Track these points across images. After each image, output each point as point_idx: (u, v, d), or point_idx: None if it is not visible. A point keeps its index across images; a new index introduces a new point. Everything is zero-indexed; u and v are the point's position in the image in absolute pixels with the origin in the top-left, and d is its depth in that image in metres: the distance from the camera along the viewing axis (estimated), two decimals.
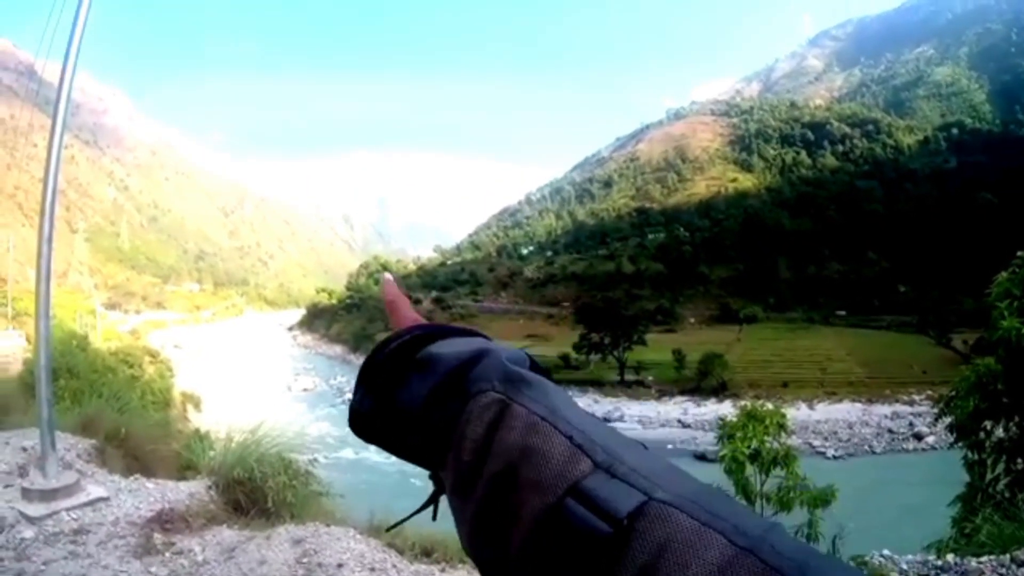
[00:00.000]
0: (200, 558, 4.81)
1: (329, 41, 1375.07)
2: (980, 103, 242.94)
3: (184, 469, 7.63)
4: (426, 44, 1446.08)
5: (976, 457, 7.18)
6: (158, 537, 5.09)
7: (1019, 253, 6.51)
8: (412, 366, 0.73)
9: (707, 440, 46.68)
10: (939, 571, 3.68)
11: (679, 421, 71.34)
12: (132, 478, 6.53)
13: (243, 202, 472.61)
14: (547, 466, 0.53)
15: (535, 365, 0.70)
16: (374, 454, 63.23)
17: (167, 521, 5.37)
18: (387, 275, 0.96)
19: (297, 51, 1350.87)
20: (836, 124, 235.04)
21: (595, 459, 0.53)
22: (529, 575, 0.53)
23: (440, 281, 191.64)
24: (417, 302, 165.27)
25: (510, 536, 0.54)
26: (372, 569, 4.72)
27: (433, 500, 0.76)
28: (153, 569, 4.64)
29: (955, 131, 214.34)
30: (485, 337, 0.76)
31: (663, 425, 70.36)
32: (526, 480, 0.54)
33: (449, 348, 0.69)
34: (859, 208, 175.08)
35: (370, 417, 0.76)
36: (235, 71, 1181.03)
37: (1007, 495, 6.07)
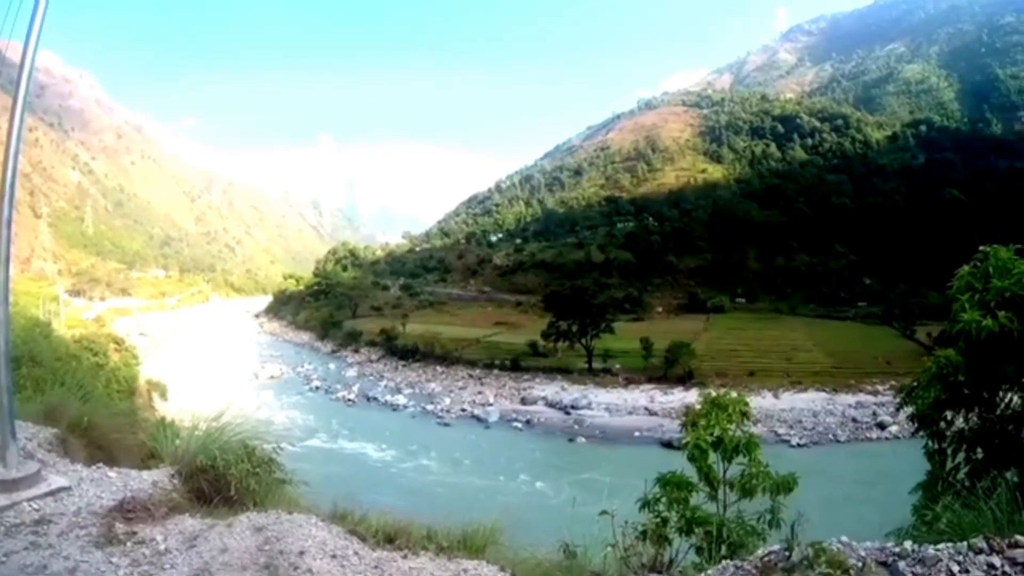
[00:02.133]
0: (162, 547, 4.81)
1: (301, 30, 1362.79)
2: (949, 101, 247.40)
3: (148, 458, 7.57)
4: (398, 34, 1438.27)
5: (937, 446, 7.33)
6: (120, 527, 5.07)
7: (981, 248, 6.66)
8: None
9: (673, 428, 47.04)
10: (897, 558, 3.77)
11: (646, 409, 71.90)
12: (95, 467, 6.49)
13: (210, 187, 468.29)
14: None
15: None
16: (344, 443, 63.29)
17: (129, 510, 5.35)
18: None
19: (270, 39, 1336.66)
20: (806, 118, 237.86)
21: None
22: None
23: (409, 268, 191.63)
24: (385, 288, 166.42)
25: None
26: (334, 556, 4.75)
27: None
28: (114, 559, 4.63)
29: (924, 128, 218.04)
30: None
31: (630, 413, 70.93)
32: None
33: None
34: (827, 201, 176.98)
35: None
36: (208, 60, 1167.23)
37: (967, 484, 6.21)
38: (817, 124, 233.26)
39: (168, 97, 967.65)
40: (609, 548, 5.80)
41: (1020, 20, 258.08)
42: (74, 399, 9.09)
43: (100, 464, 6.66)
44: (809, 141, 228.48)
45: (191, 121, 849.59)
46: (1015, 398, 6.71)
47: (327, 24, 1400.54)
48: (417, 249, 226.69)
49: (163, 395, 67.19)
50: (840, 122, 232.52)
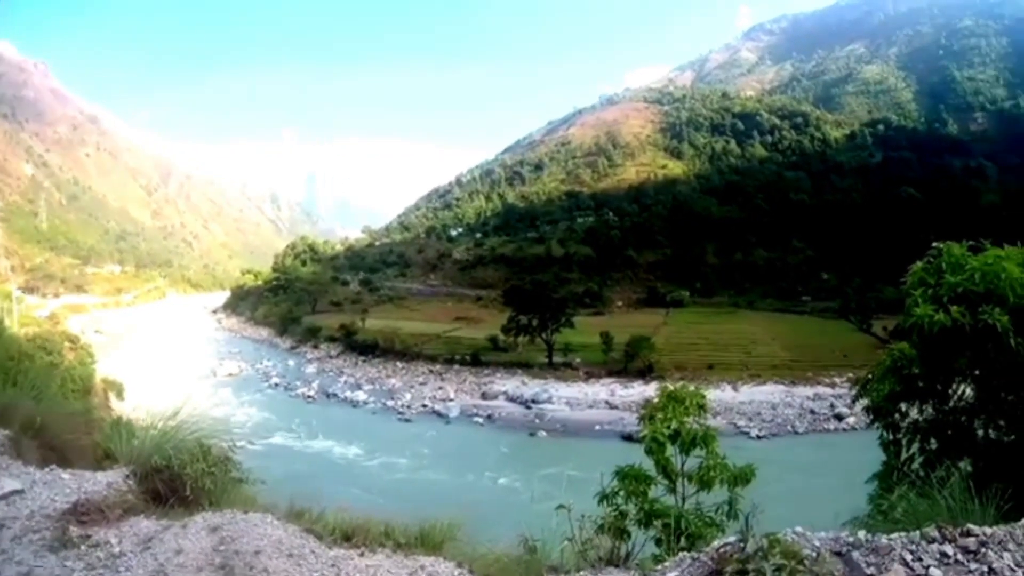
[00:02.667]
0: (117, 550, 4.74)
1: (261, 25, 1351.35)
2: (907, 102, 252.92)
3: (103, 459, 7.44)
4: (360, 30, 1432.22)
5: (892, 437, 7.48)
6: (74, 530, 4.98)
7: (934, 244, 6.79)
8: None
9: (634, 421, 47.02)
10: (851, 547, 3.84)
11: (606, 402, 72.23)
12: (47, 469, 6.36)
13: (167, 180, 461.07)
14: None
15: None
16: (304, 440, 62.77)
17: (83, 513, 5.26)
18: None
19: (229, 33, 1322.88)
20: (766, 115, 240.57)
21: None
22: None
23: (368, 263, 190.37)
24: (344, 283, 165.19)
25: None
26: (290, 555, 4.71)
27: None
28: (69, 563, 4.56)
29: (881, 127, 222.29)
30: None
31: (591, 406, 71.23)
32: None
33: None
34: (786, 198, 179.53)
35: None
36: (167, 53, 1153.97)
37: (921, 474, 6.35)
38: (777, 122, 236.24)
39: (127, 91, 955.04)
40: (567, 542, 5.82)
41: (977, 24, 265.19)
42: (27, 399, 8.90)
43: (53, 466, 6.53)
44: (769, 138, 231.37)
45: (146, 114, 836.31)
46: (967, 390, 6.88)
47: (287, 20, 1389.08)
48: (376, 244, 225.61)
49: (119, 394, 66.05)
50: (800, 120, 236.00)
